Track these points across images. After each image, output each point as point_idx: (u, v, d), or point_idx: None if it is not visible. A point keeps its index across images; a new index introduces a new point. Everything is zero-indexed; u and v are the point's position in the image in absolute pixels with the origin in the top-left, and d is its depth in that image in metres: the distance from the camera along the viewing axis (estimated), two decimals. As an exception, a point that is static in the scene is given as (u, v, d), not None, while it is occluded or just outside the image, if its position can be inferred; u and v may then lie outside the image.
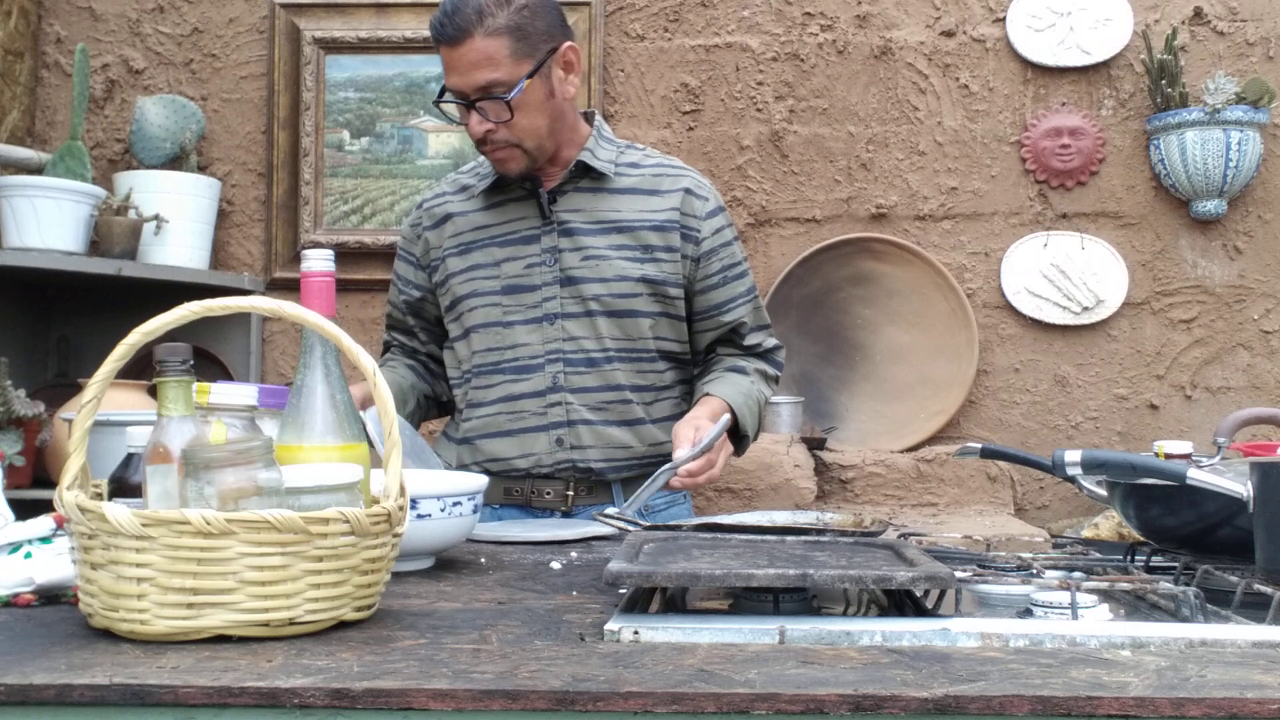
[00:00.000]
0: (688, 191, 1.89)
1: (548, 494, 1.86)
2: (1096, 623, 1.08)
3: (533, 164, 1.83)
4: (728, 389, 1.86)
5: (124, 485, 1.17)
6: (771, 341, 2.00)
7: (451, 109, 1.81)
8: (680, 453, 1.65)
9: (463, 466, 1.90)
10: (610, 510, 1.61)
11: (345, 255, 3.14)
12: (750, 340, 1.96)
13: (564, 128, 1.86)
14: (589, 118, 1.93)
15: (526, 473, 1.87)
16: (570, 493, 1.86)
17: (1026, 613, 1.14)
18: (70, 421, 1.61)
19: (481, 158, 1.94)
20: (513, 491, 1.88)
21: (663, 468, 1.64)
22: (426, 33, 3.22)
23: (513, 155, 1.80)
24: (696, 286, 1.90)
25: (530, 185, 1.87)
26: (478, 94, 1.74)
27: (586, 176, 1.88)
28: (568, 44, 1.81)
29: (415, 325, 2.02)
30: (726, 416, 1.75)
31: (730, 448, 1.80)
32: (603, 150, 1.89)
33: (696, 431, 1.69)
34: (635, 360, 1.87)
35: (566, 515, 1.86)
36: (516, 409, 1.86)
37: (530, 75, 1.75)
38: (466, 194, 1.94)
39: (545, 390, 1.85)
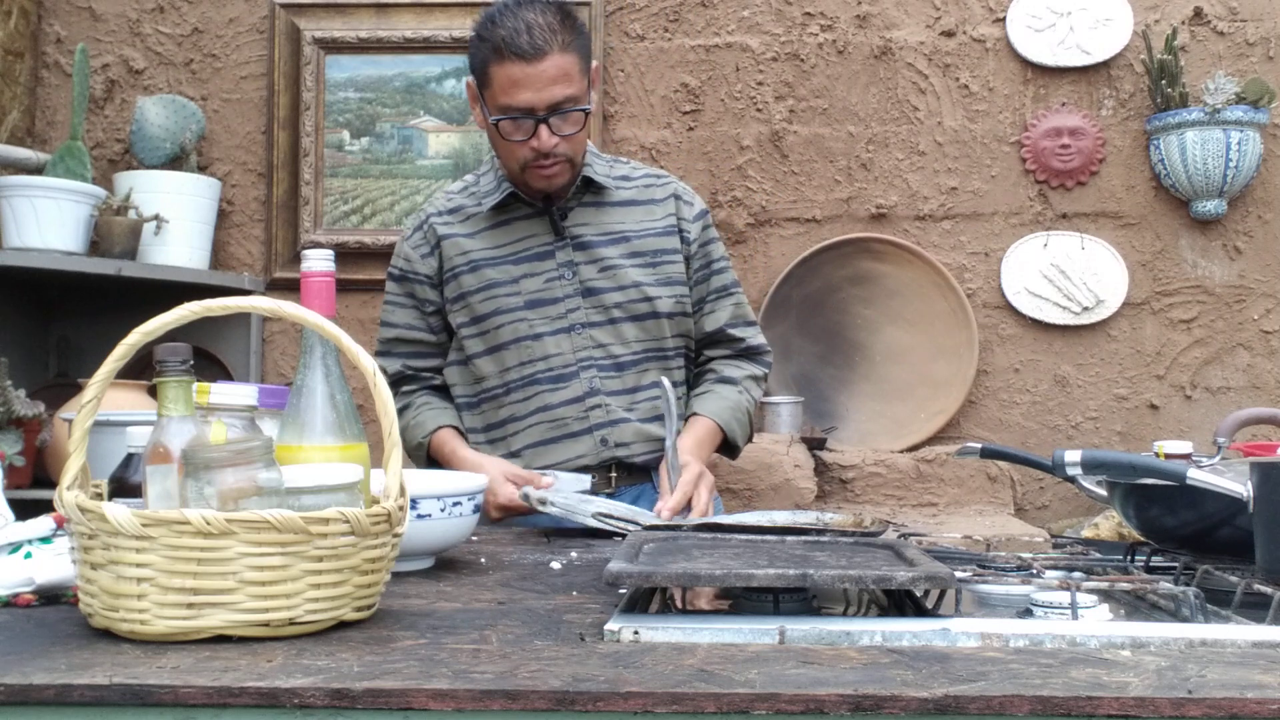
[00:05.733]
0: (676, 197, 2.02)
1: (593, 478, 1.92)
2: (1096, 623, 1.08)
3: (575, 177, 1.92)
4: (716, 405, 1.98)
5: (124, 485, 1.18)
6: (758, 339, 2.08)
7: (511, 128, 1.82)
8: (660, 507, 1.73)
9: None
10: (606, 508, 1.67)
11: (345, 255, 3.14)
12: (736, 333, 2.04)
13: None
14: None
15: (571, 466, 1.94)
16: (613, 474, 1.95)
17: (1026, 613, 1.14)
18: (70, 421, 1.61)
19: (468, 179, 2.03)
20: None
21: (638, 519, 1.68)
22: (427, 32, 3.25)
23: (565, 169, 1.88)
24: (688, 281, 2.01)
25: (542, 203, 1.94)
26: (551, 109, 1.80)
27: (589, 191, 1.97)
28: (596, 64, 1.92)
29: (438, 343, 2.01)
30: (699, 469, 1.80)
31: (707, 483, 1.81)
32: (599, 165, 1.99)
33: (675, 492, 1.74)
34: (661, 359, 1.97)
35: (611, 497, 1.91)
36: (556, 417, 1.93)
37: (589, 90, 1.85)
38: (460, 214, 1.98)
39: (584, 395, 1.93)
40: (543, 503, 1.69)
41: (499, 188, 1.95)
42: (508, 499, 1.78)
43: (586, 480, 1.85)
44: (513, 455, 1.93)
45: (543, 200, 1.93)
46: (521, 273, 1.93)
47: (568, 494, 1.75)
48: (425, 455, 1.95)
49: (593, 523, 1.67)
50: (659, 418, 1.93)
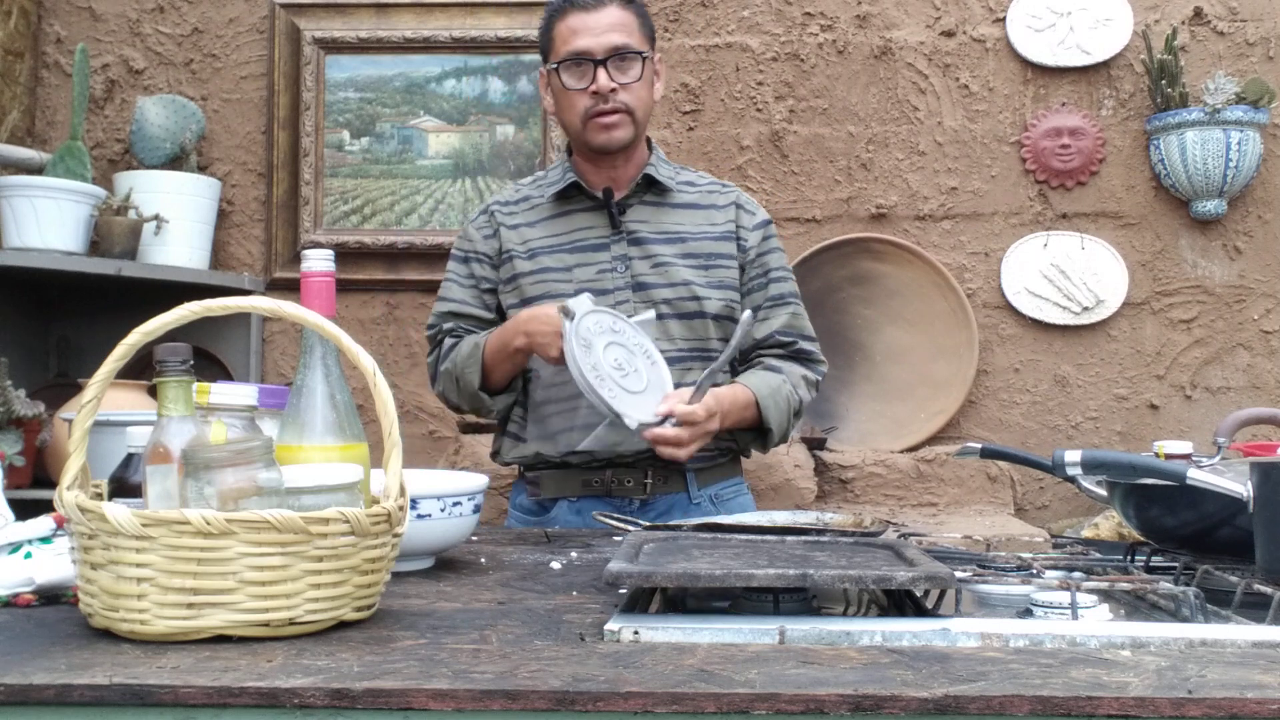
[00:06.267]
0: (738, 206, 2.05)
1: (628, 482, 1.95)
2: (1096, 623, 1.08)
3: (633, 137, 1.95)
4: (757, 381, 1.94)
5: (124, 485, 1.17)
6: (812, 347, 2.06)
7: (572, 78, 1.92)
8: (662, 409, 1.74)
9: (539, 457, 1.97)
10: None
11: (345, 255, 3.14)
12: (787, 339, 2.03)
13: (647, 125, 2.01)
14: (648, 143, 2.06)
15: (607, 463, 1.95)
16: (648, 480, 1.94)
17: (1026, 613, 1.14)
18: (70, 421, 1.61)
19: (539, 173, 2.11)
20: (592, 483, 1.96)
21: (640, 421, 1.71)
22: (427, 32, 3.25)
23: (624, 121, 1.93)
24: (743, 289, 2.02)
25: (602, 196, 1.98)
26: (609, 53, 1.90)
27: (650, 190, 2.01)
28: (659, 55, 2.03)
29: (490, 320, 2.04)
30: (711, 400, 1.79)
31: (714, 425, 1.81)
32: (663, 168, 2.04)
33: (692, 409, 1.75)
34: (705, 359, 1.95)
35: (645, 503, 1.94)
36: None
37: (650, 54, 1.95)
38: (528, 204, 2.05)
39: None
40: (567, 313, 1.71)
41: (563, 177, 2.01)
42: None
43: (652, 315, 1.84)
44: (549, 437, 1.96)
45: (603, 193, 1.97)
46: (575, 261, 1.97)
47: (597, 320, 1.75)
48: (480, 358, 1.94)
49: (586, 368, 1.68)
50: None
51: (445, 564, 1.45)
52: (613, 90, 1.90)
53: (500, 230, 2.03)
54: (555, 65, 1.93)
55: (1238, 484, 1.23)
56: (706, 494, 1.98)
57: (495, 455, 2.06)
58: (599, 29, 1.90)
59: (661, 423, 1.73)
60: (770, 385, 1.94)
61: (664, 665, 0.93)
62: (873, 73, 3.21)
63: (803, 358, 2.04)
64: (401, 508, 1.10)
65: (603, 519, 1.70)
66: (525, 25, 3.21)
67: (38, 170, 2.89)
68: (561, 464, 1.96)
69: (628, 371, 1.75)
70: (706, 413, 1.76)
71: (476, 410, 2.01)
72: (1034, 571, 1.26)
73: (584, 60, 1.90)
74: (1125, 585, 1.26)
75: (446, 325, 2.04)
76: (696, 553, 1.22)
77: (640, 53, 1.92)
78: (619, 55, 1.90)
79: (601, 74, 1.89)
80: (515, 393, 2.00)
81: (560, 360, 1.78)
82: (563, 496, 1.97)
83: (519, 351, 1.88)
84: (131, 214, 2.92)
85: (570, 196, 2.01)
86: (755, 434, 1.98)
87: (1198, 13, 3.15)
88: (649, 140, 2.05)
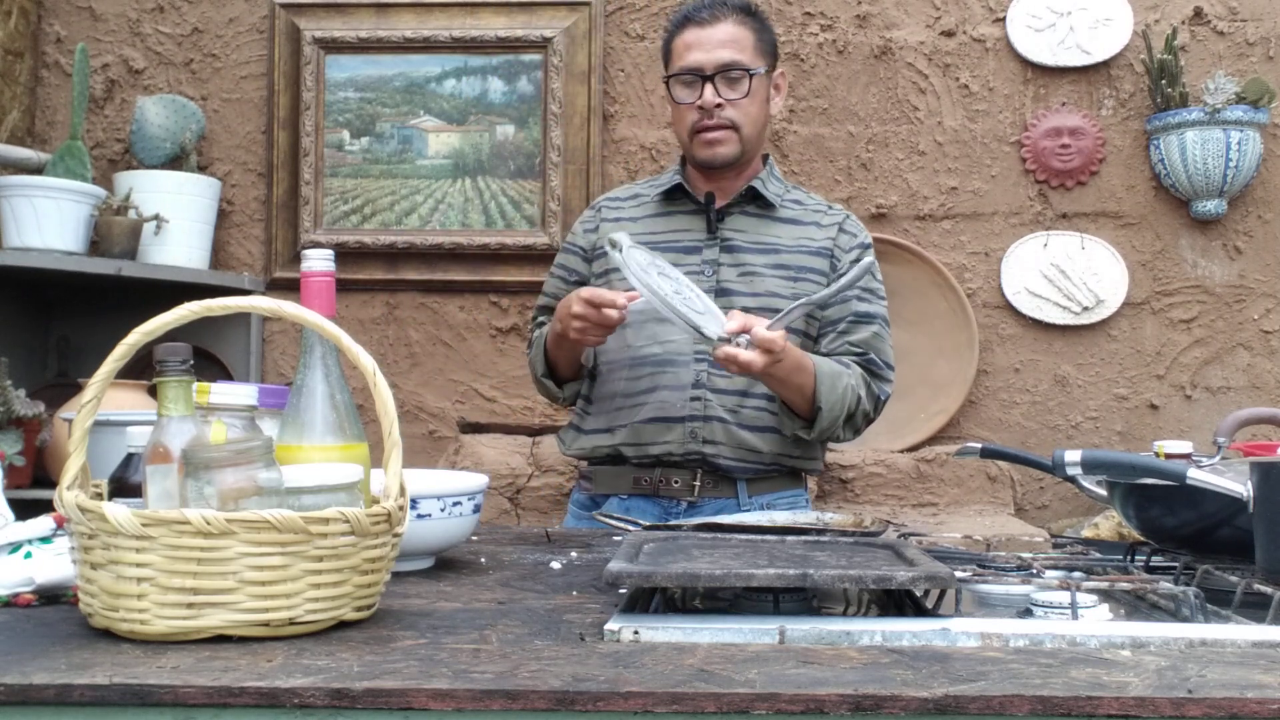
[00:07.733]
0: (840, 228, 2.03)
1: (675, 483, 1.95)
2: (1096, 623, 1.08)
3: (739, 155, 1.97)
4: (820, 360, 1.88)
5: (124, 485, 1.17)
6: (884, 370, 1.97)
7: (682, 92, 1.95)
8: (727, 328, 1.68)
9: (595, 450, 1.99)
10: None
11: (345, 255, 3.14)
12: (859, 350, 1.95)
13: (762, 141, 2.03)
14: (764, 158, 2.07)
15: (657, 460, 1.95)
16: (696, 483, 1.94)
17: (1026, 613, 1.14)
18: (70, 421, 1.61)
19: (656, 175, 2.14)
20: (641, 481, 1.97)
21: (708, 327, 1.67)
22: (427, 32, 3.25)
23: (729, 137, 1.95)
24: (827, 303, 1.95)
25: (704, 200, 1.99)
26: (718, 69, 1.92)
27: (754, 203, 2.01)
28: (781, 70, 2.04)
29: None
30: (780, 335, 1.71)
31: (760, 357, 1.69)
32: (772, 184, 2.04)
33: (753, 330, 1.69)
34: None
35: (692, 505, 1.94)
36: (659, 400, 1.95)
37: (764, 70, 1.96)
38: (636, 200, 2.08)
39: (688, 385, 1.94)
40: (614, 244, 1.69)
41: (671, 179, 2.04)
42: (590, 293, 1.76)
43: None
44: (610, 430, 1.97)
45: (705, 198, 1.99)
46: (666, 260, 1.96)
47: (640, 255, 1.70)
48: (543, 346, 2.00)
49: (655, 284, 1.64)
50: (757, 428, 1.93)
51: (445, 564, 1.45)
52: (718, 106, 1.92)
53: (601, 225, 2.06)
54: (668, 78, 1.97)
55: (1238, 484, 1.23)
56: (758, 502, 1.95)
57: (561, 446, 2.08)
58: (711, 44, 1.92)
59: (732, 341, 1.67)
60: (832, 368, 1.87)
61: (664, 665, 0.93)
62: (873, 73, 3.21)
63: (872, 371, 1.95)
64: (401, 508, 1.10)
65: (603, 519, 1.70)
66: (525, 25, 3.22)
67: (38, 170, 2.89)
68: (615, 459, 1.97)
69: (687, 296, 1.72)
70: (782, 341, 1.69)
71: (552, 398, 2.06)
72: (1034, 571, 1.26)
73: (694, 75, 1.93)
74: (1125, 585, 1.26)
75: (540, 319, 2.09)
76: (696, 553, 1.22)
77: (749, 70, 1.93)
78: (728, 72, 1.92)
79: (708, 89, 1.92)
80: (583, 381, 2.03)
81: (580, 339, 1.79)
82: (614, 493, 1.98)
83: (562, 337, 1.88)
84: (131, 214, 2.92)
85: (675, 198, 2.04)
86: (801, 419, 1.89)
87: (1198, 13, 3.15)
88: (766, 157, 2.06)
